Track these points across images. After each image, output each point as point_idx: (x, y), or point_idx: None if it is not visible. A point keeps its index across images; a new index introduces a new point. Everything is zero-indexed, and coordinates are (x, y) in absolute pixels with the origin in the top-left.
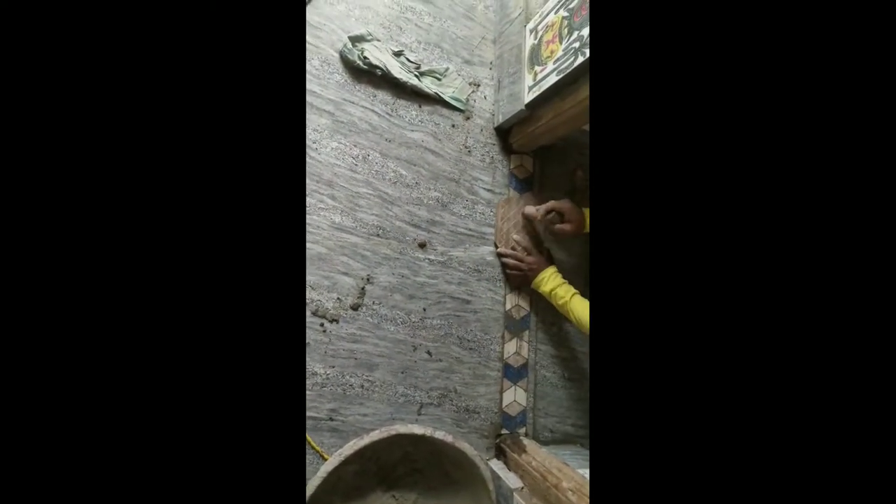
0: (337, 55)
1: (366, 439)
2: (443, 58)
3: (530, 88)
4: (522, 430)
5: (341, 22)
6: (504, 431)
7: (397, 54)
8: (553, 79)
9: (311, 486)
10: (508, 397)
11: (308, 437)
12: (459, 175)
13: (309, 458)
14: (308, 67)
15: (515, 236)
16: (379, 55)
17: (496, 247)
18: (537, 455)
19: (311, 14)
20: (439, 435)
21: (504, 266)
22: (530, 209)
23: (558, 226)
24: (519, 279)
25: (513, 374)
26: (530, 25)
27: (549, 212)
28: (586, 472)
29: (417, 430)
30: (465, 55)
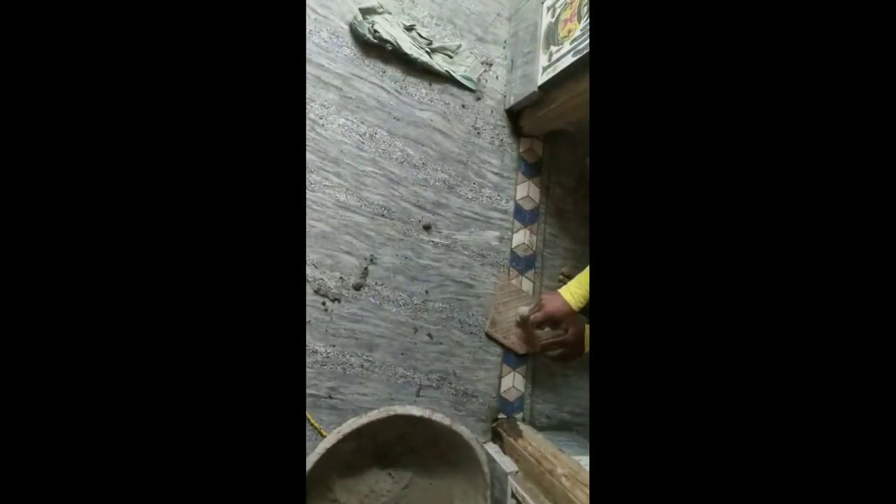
0: (346, 27)
1: (364, 418)
2: (455, 34)
3: (544, 69)
4: (519, 416)
5: None
6: (501, 416)
7: (409, 29)
8: (569, 59)
9: (310, 461)
10: (507, 382)
11: (308, 414)
12: (467, 157)
13: (308, 434)
14: (316, 40)
15: (523, 310)
16: (390, 29)
17: (488, 335)
18: (533, 440)
19: None
20: (437, 417)
21: (545, 350)
22: (524, 310)
23: (552, 353)
24: (571, 356)
25: (512, 359)
26: (548, 2)
27: (542, 323)
28: (581, 459)
29: (416, 411)
30: (479, 32)
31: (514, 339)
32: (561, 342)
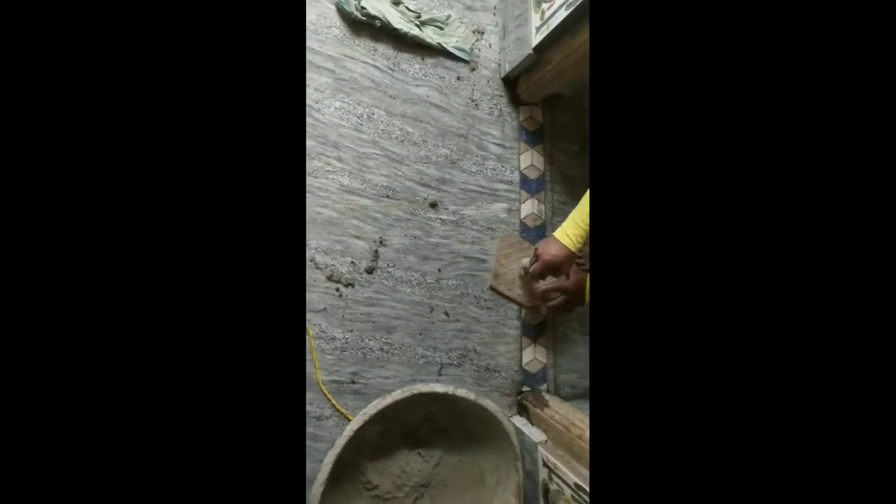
0: (334, 7)
1: (388, 399)
2: (444, 4)
3: (538, 29)
4: (543, 387)
5: None
6: (525, 388)
7: (396, 3)
8: (562, 14)
9: (338, 445)
10: (528, 355)
11: (332, 399)
12: (467, 130)
13: (335, 420)
14: (305, 23)
15: (525, 262)
16: (377, 4)
17: (492, 288)
18: (560, 409)
19: None
20: (461, 393)
21: (545, 299)
22: (526, 262)
23: (552, 302)
24: (572, 304)
25: (532, 331)
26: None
27: (542, 273)
28: None
29: (439, 388)
30: (467, 1)
31: (518, 292)
32: (561, 288)
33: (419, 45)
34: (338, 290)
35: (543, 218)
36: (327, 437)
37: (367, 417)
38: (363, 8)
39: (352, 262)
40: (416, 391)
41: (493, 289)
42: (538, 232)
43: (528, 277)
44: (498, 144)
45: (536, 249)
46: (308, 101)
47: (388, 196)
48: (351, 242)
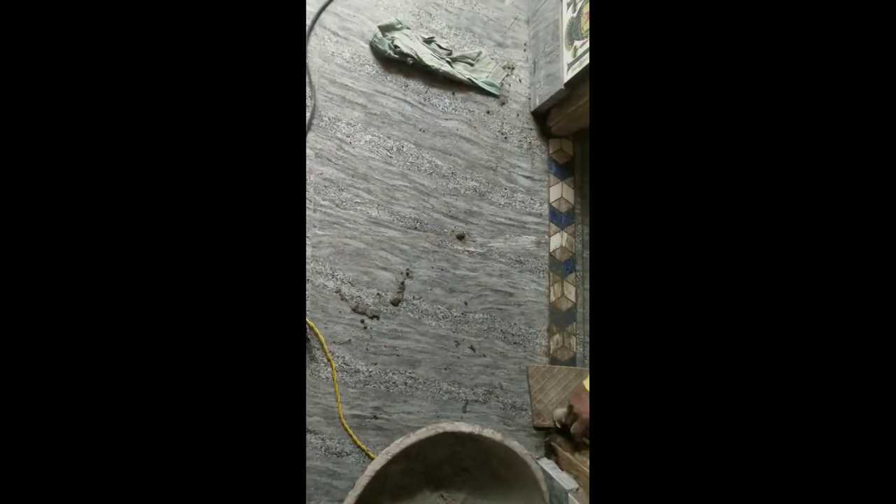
0: (367, 46)
1: (412, 437)
2: (475, 42)
3: (569, 66)
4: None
5: (370, 12)
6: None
7: (428, 41)
8: None
9: (360, 485)
10: None
11: (354, 434)
12: (496, 163)
13: (355, 457)
14: (339, 61)
15: (558, 414)
16: (409, 43)
17: (536, 427)
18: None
19: (341, 6)
20: (487, 433)
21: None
22: (559, 414)
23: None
24: None
25: None
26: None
27: (584, 433)
28: None
29: (464, 427)
30: (498, 38)
31: (564, 421)
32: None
33: (450, 80)
34: (363, 321)
35: (573, 251)
36: (347, 474)
37: (389, 457)
38: (396, 47)
39: (378, 294)
40: (440, 430)
41: (537, 427)
42: (567, 265)
43: (571, 432)
44: (527, 177)
45: (571, 407)
46: (339, 135)
47: (415, 228)
48: (377, 274)
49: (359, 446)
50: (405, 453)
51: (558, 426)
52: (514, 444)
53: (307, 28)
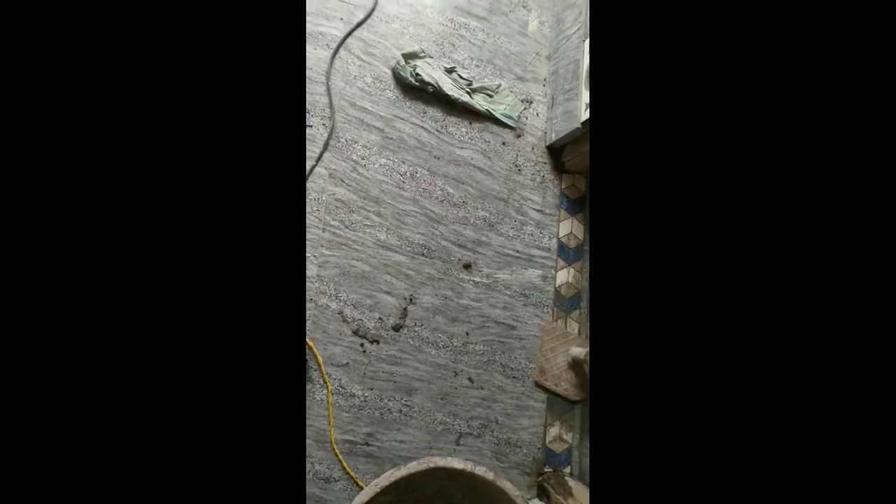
0: (389, 72)
1: (403, 470)
2: (495, 74)
3: (588, 106)
4: (567, 469)
5: (395, 40)
6: (547, 469)
7: (449, 71)
8: None
9: None
10: (553, 432)
11: (343, 461)
12: (508, 194)
13: (343, 483)
14: (360, 84)
15: (575, 351)
16: (431, 72)
17: (537, 384)
18: (585, 500)
19: (367, 32)
20: (479, 471)
21: None
22: (577, 351)
23: None
24: None
25: (558, 407)
26: (589, 41)
27: None
28: None
29: (457, 464)
30: (518, 71)
31: (566, 386)
32: None
33: (468, 110)
34: (363, 345)
35: (579, 288)
36: (334, 501)
37: (378, 489)
38: (417, 74)
39: (380, 318)
40: (432, 464)
41: (538, 384)
42: (573, 302)
43: (583, 368)
44: (538, 210)
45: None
46: (354, 157)
47: (422, 254)
48: (381, 298)
49: (348, 473)
50: (395, 485)
51: (570, 362)
52: (506, 485)
53: (332, 52)
